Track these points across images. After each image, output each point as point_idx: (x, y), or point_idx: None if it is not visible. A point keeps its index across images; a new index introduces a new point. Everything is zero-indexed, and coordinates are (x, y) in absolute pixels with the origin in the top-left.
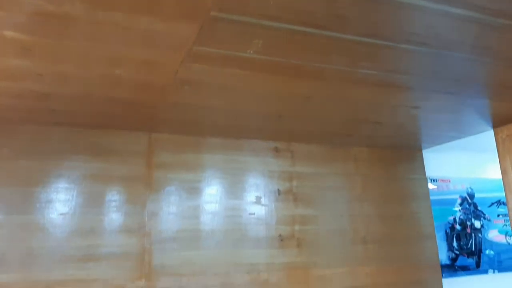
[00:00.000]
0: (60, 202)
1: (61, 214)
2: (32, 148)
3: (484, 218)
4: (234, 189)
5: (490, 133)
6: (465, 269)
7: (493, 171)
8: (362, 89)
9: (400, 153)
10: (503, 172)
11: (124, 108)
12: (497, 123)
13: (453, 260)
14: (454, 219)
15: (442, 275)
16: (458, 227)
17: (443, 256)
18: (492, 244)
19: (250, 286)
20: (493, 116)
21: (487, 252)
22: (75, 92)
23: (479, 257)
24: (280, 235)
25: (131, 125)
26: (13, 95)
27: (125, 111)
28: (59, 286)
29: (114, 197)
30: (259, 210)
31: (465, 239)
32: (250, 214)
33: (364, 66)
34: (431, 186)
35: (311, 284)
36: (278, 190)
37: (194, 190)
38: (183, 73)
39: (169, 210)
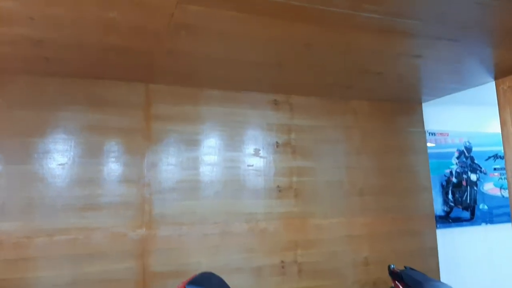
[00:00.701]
0: (58, 153)
1: (60, 164)
2: (27, 99)
3: (481, 171)
4: (233, 141)
5: (490, 86)
6: (459, 221)
7: (491, 125)
8: (364, 35)
9: (399, 106)
10: (502, 123)
11: (119, 56)
12: (499, 74)
13: (448, 212)
14: (451, 172)
15: (437, 226)
16: (454, 180)
17: (438, 208)
18: (487, 197)
19: (248, 235)
20: (495, 67)
21: (481, 206)
22: (68, 38)
23: (473, 210)
24: (278, 186)
25: (128, 75)
26: (6, 42)
27: (121, 59)
28: (61, 234)
29: (112, 148)
30: (258, 162)
31: (460, 192)
32: (248, 165)
33: (367, 9)
34: (429, 144)
35: (308, 233)
36: (277, 142)
37: (193, 142)
38: (179, 16)
39: (168, 161)
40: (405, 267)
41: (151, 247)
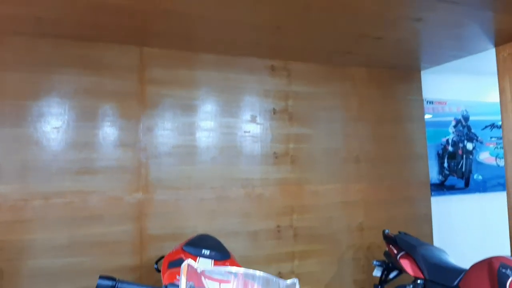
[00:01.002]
0: (52, 116)
1: (55, 127)
2: (20, 61)
3: (477, 140)
4: (229, 107)
5: (490, 54)
6: (453, 189)
7: (489, 95)
8: None
9: (398, 74)
10: (501, 91)
11: (113, 16)
12: (500, 41)
13: (443, 180)
14: (447, 140)
15: (431, 194)
16: (450, 148)
17: (434, 176)
18: (482, 166)
19: (245, 200)
20: (496, 33)
21: (475, 176)
22: None
23: (468, 179)
24: (274, 153)
25: (122, 37)
26: None
27: (114, 20)
28: (57, 197)
29: (107, 111)
30: (254, 129)
31: (456, 161)
32: (245, 132)
33: None
34: (427, 116)
35: (303, 199)
36: (274, 109)
37: (188, 107)
38: None
39: (164, 126)
40: (399, 232)
41: (148, 210)
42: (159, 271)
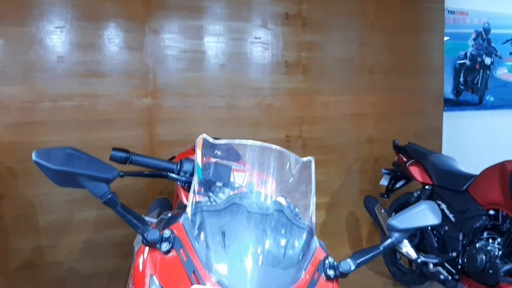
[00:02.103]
0: (54, 15)
1: (57, 27)
2: None
3: (496, 55)
4: (239, 10)
5: None
6: (467, 105)
7: None
8: None
9: None
10: None
11: None
12: None
13: (457, 94)
14: (465, 54)
15: (444, 109)
16: (468, 62)
17: (448, 90)
18: (499, 82)
19: (254, 109)
20: None
21: (487, 98)
22: None
23: (483, 94)
24: (286, 62)
25: None
26: None
27: None
28: (65, 100)
29: (111, 11)
30: (265, 35)
31: (472, 75)
32: (255, 38)
33: None
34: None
35: (314, 110)
36: (286, 13)
37: (195, 9)
38: None
39: (171, 29)
40: (409, 142)
41: (157, 116)
42: None
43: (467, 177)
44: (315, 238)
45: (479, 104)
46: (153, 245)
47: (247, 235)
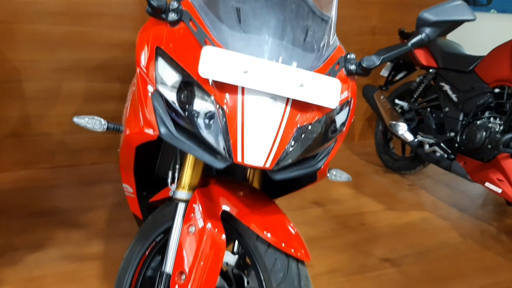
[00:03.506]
0: None
1: None
2: None
3: None
4: None
5: None
6: (474, 5)
7: None
8: None
9: None
10: None
11: None
12: None
13: None
14: None
15: None
16: None
17: None
18: None
19: None
20: None
21: None
22: None
23: None
24: None
25: None
26: None
27: None
28: None
29: None
30: None
31: None
32: None
33: None
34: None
35: None
36: None
37: None
38: None
39: None
40: (414, 32)
41: None
42: None
43: (474, 58)
44: (336, 37)
45: (487, 5)
46: (158, 13)
47: (264, 13)
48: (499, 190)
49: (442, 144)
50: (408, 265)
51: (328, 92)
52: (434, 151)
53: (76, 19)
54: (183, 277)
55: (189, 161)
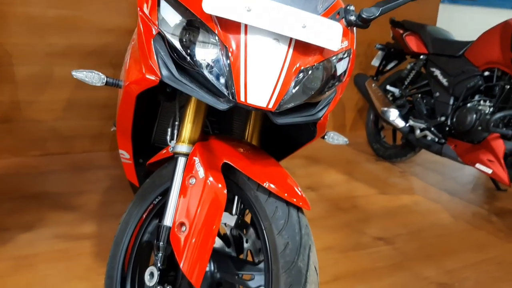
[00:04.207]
0: None
1: None
2: None
3: None
4: None
5: None
6: None
7: None
8: None
9: None
10: None
11: None
12: None
13: None
14: None
15: (441, 0)
16: None
17: None
18: None
19: None
20: None
21: None
22: None
23: None
24: None
25: None
26: None
27: None
28: None
29: None
30: None
31: None
32: None
33: None
34: None
35: None
36: None
37: None
38: None
39: None
40: (404, 20)
41: None
42: None
43: (464, 43)
44: None
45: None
46: None
47: None
48: (490, 171)
49: (433, 129)
50: (402, 243)
51: (330, 34)
52: (425, 136)
53: (69, 3)
54: (184, 228)
55: (189, 115)
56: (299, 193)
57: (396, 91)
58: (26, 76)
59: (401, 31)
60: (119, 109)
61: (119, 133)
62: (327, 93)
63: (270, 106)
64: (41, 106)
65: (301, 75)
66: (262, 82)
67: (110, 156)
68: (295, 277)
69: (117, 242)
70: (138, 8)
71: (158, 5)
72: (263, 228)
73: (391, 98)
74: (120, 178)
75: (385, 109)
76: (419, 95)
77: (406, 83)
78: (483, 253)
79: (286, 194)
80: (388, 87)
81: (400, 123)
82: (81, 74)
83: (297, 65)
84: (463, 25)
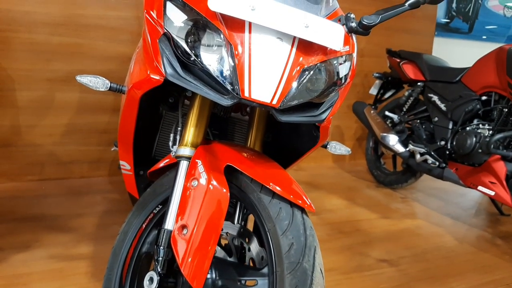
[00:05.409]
0: None
1: None
2: None
3: None
4: None
5: None
6: (457, 32)
7: None
8: None
9: None
10: None
11: None
12: None
13: (448, 21)
14: None
15: (435, 33)
16: None
17: (440, 13)
18: (489, 13)
19: None
20: None
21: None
22: None
23: (473, 23)
24: None
25: None
26: None
27: None
28: None
29: None
30: None
31: (464, 3)
32: None
33: None
34: None
35: None
36: None
37: None
38: None
39: None
40: (400, 50)
41: None
42: None
43: (460, 69)
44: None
45: (469, 33)
46: None
47: None
48: (492, 193)
49: (433, 153)
50: (406, 264)
51: (332, 34)
52: (426, 160)
53: (73, 31)
54: (185, 231)
55: (192, 119)
56: (303, 196)
57: (395, 117)
58: (27, 101)
59: (398, 60)
60: (121, 116)
61: (120, 144)
62: (329, 94)
63: (274, 102)
64: (41, 130)
65: (304, 73)
66: (266, 78)
67: (109, 181)
68: (301, 278)
69: (115, 253)
70: (145, 11)
71: (164, 6)
72: (267, 230)
73: (390, 124)
74: (118, 201)
75: (385, 134)
76: (418, 121)
77: (404, 109)
78: (490, 275)
79: (291, 196)
80: (387, 113)
81: (400, 148)
82: (85, 79)
83: (300, 64)
84: (459, 55)
